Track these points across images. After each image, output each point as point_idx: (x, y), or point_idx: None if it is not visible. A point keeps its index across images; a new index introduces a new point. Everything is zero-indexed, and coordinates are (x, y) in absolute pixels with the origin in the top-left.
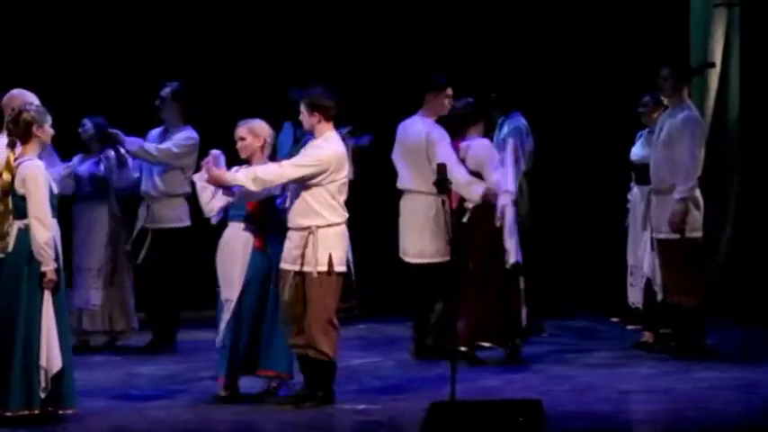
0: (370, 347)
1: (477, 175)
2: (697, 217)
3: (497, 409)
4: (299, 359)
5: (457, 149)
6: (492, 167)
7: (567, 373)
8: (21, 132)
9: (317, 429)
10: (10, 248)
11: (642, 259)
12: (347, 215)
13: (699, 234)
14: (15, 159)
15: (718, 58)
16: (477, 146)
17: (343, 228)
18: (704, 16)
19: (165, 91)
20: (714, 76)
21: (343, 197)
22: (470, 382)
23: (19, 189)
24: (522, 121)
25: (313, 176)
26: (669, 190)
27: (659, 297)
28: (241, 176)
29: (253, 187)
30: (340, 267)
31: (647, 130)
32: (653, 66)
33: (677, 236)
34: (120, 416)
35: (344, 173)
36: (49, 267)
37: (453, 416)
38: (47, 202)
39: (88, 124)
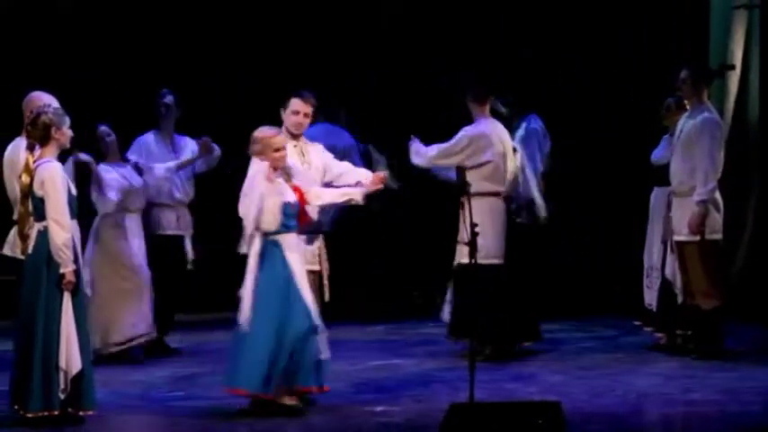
0: (389, 349)
1: None
2: (717, 219)
3: (516, 410)
4: None
5: None
6: None
7: (585, 375)
8: (39, 135)
9: (336, 431)
10: (30, 250)
11: (658, 261)
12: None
13: (719, 236)
14: (34, 162)
15: (737, 60)
16: None
17: None
18: (724, 18)
19: (170, 98)
20: (734, 79)
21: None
22: (489, 383)
23: (37, 191)
24: (539, 123)
25: None
26: (689, 192)
27: (679, 299)
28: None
29: None
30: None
31: (670, 133)
32: (672, 68)
33: (697, 238)
34: (140, 418)
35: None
36: (67, 269)
37: (472, 417)
38: (65, 204)
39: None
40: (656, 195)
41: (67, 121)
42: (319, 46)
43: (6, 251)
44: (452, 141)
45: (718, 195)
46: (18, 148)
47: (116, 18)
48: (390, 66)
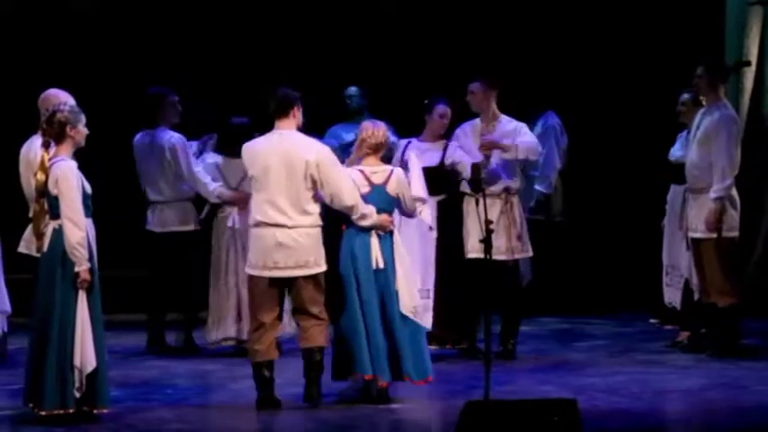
0: None
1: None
2: (734, 216)
3: (532, 408)
4: None
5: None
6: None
7: (601, 372)
8: (55, 133)
9: (352, 428)
10: (45, 248)
11: (678, 259)
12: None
13: (735, 234)
14: (49, 160)
15: (753, 56)
16: None
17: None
18: (739, 15)
19: (174, 98)
20: (750, 75)
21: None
22: (505, 381)
23: (52, 189)
24: (556, 120)
25: None
26: (705, 189)
27: (696, 297)
28: None
29: None
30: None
31: (687, 130)
32: (688, 65)
33: (714, 235)
34: (155, 415)
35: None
36: (82, 267)
37: (488, 415)
38: (79, 203)
39: None
40: (674, 193)
41: (83, 119)
42: (319, 42)
43: (22, 249)
44: None
45: (734, 192)
46: (34, 146)
47: (136, 18)
48: (393, 60)
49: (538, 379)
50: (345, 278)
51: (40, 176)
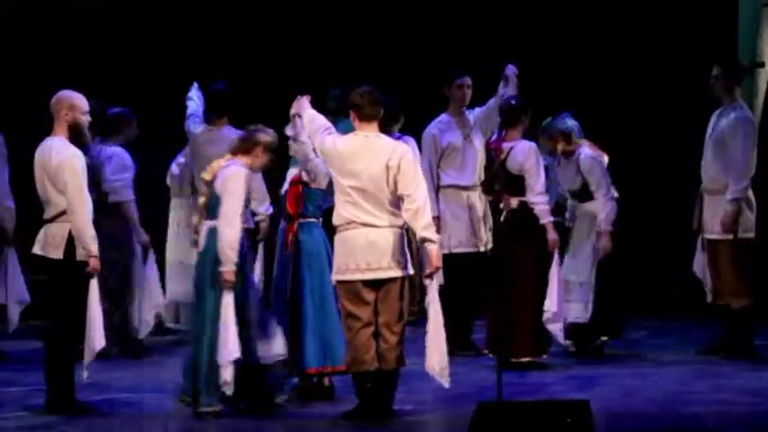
0: (416, 349)
1: (519, 179)
2: (750, 217)
3: (545, 409)
4: None
5: (498, 150)
6: (537, 174)
7: (614, 374)
8: (244, 149)
9: (364, 431)
10: (200, 247)
11: (580, 271)
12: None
13: (751, 235)
14: (223, 165)
15: (767, 57)
16: (521, 149)
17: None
18: (753, 16)
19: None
20: (763, 76)
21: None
22: (517, 382)
23: (217, 190)
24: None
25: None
26: (721, 190)
27: (708, 298)
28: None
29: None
30: (336, 276)
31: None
32: (701, 67)
33: (730, 236)
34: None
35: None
36: (225, 268)
37: (501, 416)
38: (239, 207)
39: None
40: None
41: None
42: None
43: (37, 250)
44: None
45: (750, 194)
46: (49, 149)
47: (136, 18)
48: (394, 58)
49: (550, 380)
50: None
51: (209, 176)
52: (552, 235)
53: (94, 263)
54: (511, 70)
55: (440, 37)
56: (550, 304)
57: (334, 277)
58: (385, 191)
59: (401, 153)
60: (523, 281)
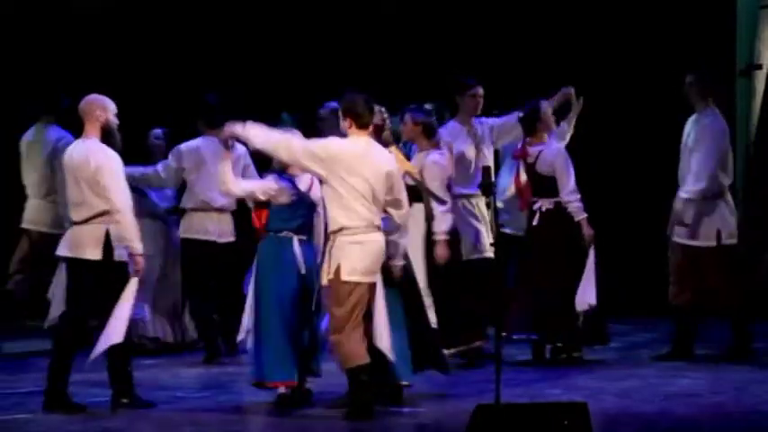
0: None
1: (549, 180)
2: (731, 223)
3: (543, 411)
4: None
5: (525, 155)
6: (567, 173)
7: (612, 376)
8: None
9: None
10: None
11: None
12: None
13: (734, 240)
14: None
15: (765, 59)
16: (549, 151)
17: (362, 236)
18: (751, 18)
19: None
20: (761, 78)
21: (363, 202)
22: (516, 384)
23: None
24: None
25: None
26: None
27: (671, 299)
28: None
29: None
30: (349, 277)
31: None
32: (699, 69)
33: (713, 243)
34: (167, 418)
35: (363, 176)
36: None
37: (499, 418)
38: None
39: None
40: None
41: None
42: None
43: (64, 252)
44: None
45: (729, 198)
46: (85, 151)
47: (136, 18)
48: (393, 60)
49: (548, 382)
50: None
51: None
52: (588, 230)
53: (140, 261)
54: (569, 90)
55: (439, 37)
56: (590, 297)
57: (344, 278)
58: (382, 196)
59: (393, 160)
60: (566, 278)
